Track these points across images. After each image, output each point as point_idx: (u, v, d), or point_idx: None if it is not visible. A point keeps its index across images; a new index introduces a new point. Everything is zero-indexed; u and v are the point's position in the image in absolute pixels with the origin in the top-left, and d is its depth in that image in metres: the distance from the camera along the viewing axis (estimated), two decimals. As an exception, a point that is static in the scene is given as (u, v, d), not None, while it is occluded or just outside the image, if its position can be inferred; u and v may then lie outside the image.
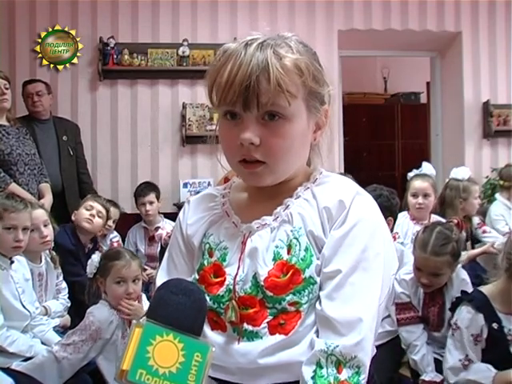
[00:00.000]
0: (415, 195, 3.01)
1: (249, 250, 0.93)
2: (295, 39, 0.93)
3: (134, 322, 0.76)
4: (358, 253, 0.87)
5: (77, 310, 2.58)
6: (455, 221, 2.35)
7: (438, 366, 2.14)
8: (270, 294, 0.89)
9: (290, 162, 0.93)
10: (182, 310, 0.79)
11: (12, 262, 2.17)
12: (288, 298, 0.88)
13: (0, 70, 3.14)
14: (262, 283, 0.89)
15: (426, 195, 2.99)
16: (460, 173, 3.35)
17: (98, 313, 2.03)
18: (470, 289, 2.17)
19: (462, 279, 2.24)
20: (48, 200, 3.10)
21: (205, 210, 1.02)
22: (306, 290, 0.89)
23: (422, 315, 2.24)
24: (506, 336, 1.90)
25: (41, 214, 2.45)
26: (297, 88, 0.88)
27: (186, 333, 0.75)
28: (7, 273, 2.13)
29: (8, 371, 1.94)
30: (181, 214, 1.05)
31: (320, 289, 0.89)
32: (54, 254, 2.57)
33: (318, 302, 0.89)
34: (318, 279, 0.89)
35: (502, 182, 3.85)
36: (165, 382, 0.72)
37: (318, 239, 0.91)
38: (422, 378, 2.14)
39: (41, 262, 2.48)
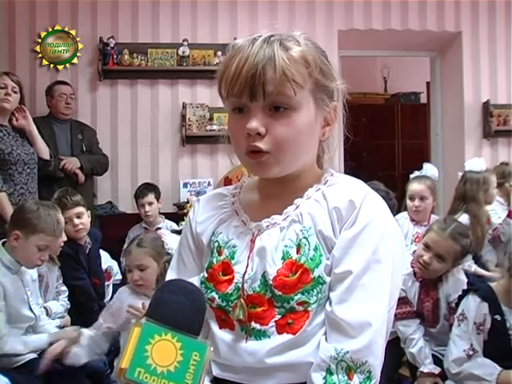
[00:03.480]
0: (412, 198, 3.01)
1: (258, 248, 0.93)
2: (303, 36, 0.93)
3: (133, 321, 0.76)
4: (369, 254, 0.87)
5: (77, 312, 2.60)
6: None
7: (436, 362, 2.16)
8: (278, 292, 0.89)
9: (296, 153, 0.92)
10: (181, 309, 0.79)
11: (21, 265, 2.17)
12: (296, 298, 0.88)
13: (14, 74, 3.15)
14: (271, 282, 0.89)
15: (422, 198, 2.98)
16: (477, 164, 3.30)
17: (122, 295, 2.08)
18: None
19: (458, 278, 2.26)
20: None
21: (214, 209, 1.02)
22: (315, 290, 0.89)
23: (416, 310, 2.26)
24: (508, 330, 1.93)
25: (63, 219, 2.47)
26: (303, 79, 0.89)
27: (185, 332, 0.76)
28: (17, 277, 2.13)
29: (4, 371, 1.94)
30: (191, 213, 1.06)
31: (330, 289, 0.89)
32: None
33: (327, 303, 0.89)
34: (327, 279, 0.89)
35: None
36: (163, 381, 0.72)
37: (328, 239, 0.90)
38: (421, 369, 2.16)
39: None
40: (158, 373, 0.72)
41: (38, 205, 2.25)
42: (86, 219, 2.77)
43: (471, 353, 1.94)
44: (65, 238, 2.51)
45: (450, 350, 2.00)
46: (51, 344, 2.00)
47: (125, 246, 2.80)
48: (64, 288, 2.63)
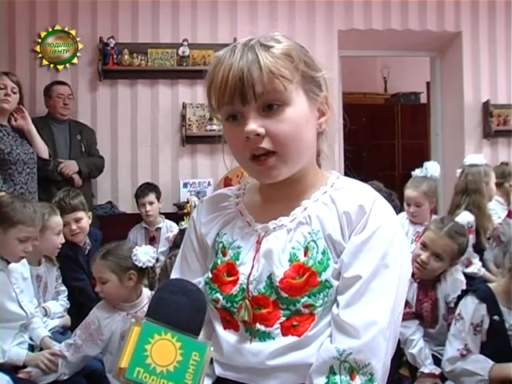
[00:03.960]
0: (408, 203, 2.98)
1: (264, 250, 0.93)
2: (281, 35, 0.94)
3: (132, 320, 0.76)
4: (378, 259, 0.87)
5: (77, 312, 2.59)
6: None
7: (436, 362, 2.16)
8: (284, 295, 0.89)
9: (299, 148, 0.92)
10: (181, 309, 0.79)
11: (9, 263, 2.17)
12: (303, 300, 0.88)
13: (13, 74, 3.14)
14: (278, 284, 0.89)
15: (417, 204, 2.94)
16: (476, 158, 3.28)
17: (99, 310, 2.03)
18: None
19: (456, 278, 2.26)
20: None
21: (218, 210, 1.02)
22: (322, 294, 0.89)
23: (415, 311, 2.26)
24: (507, 331, 1.93)
25: (61, 222, 2.50)
26: (290, 72, 0.89)
27: (185, 332, 0.76)
28: (4, 274, 2.12)
29: (4, 370, 1.94)
30: (194, 214, 1.06)
31: (338, 293, 0.89)
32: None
33: (335, 306, 0.89)
34: (334, 283, 0.89)
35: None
36: (162, 381, 0.72)
37: (337, 243, 0.90)
38: (421, 370, 2.16)
39: (40, 264, 2.48)
40: (158, 372, 0.72)
41: (12, 198, 2.24)
42: (84, 223, 2.75)
43: (465, 352, 1.94)
44: (63, 240, 2.51)
45: (446, 350, 2.01)
46: (24, 366, 2.02)
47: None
48: (63, 288, 2.63)
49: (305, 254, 0.91)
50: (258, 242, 0.94)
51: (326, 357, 0.85)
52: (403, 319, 2.25)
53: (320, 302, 0.89)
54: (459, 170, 3.31)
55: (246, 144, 0.89)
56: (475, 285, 2.15)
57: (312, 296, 0.88)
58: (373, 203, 0.90)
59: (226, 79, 0.87)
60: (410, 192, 2.97)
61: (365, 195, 0.93)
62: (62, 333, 2.44)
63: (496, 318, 1.94)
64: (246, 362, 0.90)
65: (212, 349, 0.76)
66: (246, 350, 0.91)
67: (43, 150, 3.20)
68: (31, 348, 2.19)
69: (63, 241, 2.51)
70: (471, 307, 1.97)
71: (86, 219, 2.76)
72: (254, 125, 0.88)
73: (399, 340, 2.24)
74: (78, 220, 2.72)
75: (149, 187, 3.72)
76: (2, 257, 2.14)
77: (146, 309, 2.02)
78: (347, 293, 0.87)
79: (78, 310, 2.60)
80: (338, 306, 0.88)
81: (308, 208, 0.94)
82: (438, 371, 2.13)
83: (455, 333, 1.98)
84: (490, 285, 2.07)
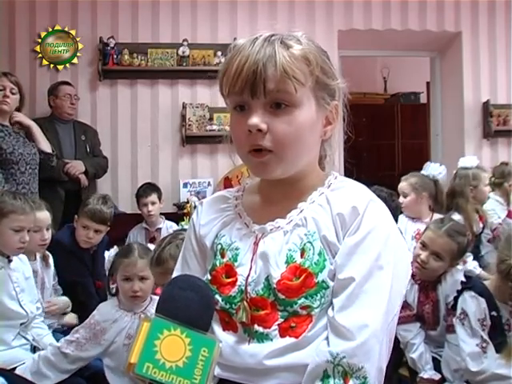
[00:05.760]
0: (399, 194, 3.04)
1: (261, 251, 0.93)
2: (304, 36, 0.94)
3: (142, 316, 0.77)
4: (372, 261, 0.87)
5: (77, 311, 2.59)
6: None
7: (436, 365, 2.16)
8: (282, 296, 0.89)
9: (298, 151, 0.92)
10: (190, 305, 0.80)
11: (10, 261, 2.17)
12: (300, 302, 0.88)
13: (12, 75, 3.13)
14: (275, 285, 0.90)
15: (404, 195, 2.99)
16: (468, 161, 3.33)
17: (104, 310, 2.03)
18: None
19: (456, 280, 2.25)
20: None
21: (217, 212, 1.03)
22: (319, 295, 0.89)
23: (416, 313, 2.26)
24: (504, 325, 1.93)
25: (46, 217, 2.49)
26: (304, 76, 0.89)
27: (194, 328, 0.76)
28: (5, 272, 2.13)
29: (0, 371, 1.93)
30: (194, 216, 1.06)
31: (333, 295, 0.89)
32: (47, 252, 2.58)
33: (330, 308, 0.89)
34: (330, 284, 0.89)
35: (493, 179, 3.84)
36: (171, 376, 0.72)
37: (332, 245, 0.91)
38: (421, 375, 2.16)
39: (35, 258, 2.48)
40: (167, 368, 0.73)
41: (1, 191, 2.27)
42: (101, 236, 2.77)
43: (485, 345, 1.93)
44: (48, 238, 2.46)
45: (461, 348, 1.97)
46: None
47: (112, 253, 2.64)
48: (58, 287, 2.63)
49: (301, 256, 0.91)
50: (256, 244, 0.94)
51: (320, 360, 0.85)
52: (404, 322, 2.26)
53: (317, 303, 0.89)
54: (454, 171, 3.34)
55: (247, 137, 0.89)
56: (470, 283, 2.14)
57: (309, 297, 0.89)
58: (367, 204, 0.90)
59: (241, 70, 0.88)
60: (400, 184, 3.06)
61: (359, 196, 0.93)
62: (63, 332, 2.43)
63: (494, 313, 1.95)
64: (244, 363, 0.90)
65: (221, 345, 0.76)
66: (244, 350, 0.91)
67: (45, 144, 3.18)
68: (33, 349, 2.19)
69: (47, 237, 2.47)
70: (471, 302, 1.97)
71: (104, 233, 2.78)
72: (257, 119, 0.88)
73: (399, 340, 2.24)
74: (97, 231, 2.74)
75: (151, 187, 3.73)
76: (2, 254, 2.14)
77: (149, 308, 1.98)
78: (342, 295, 0.87)
79: (78, 309, 2.60)
80: (333, 308, 0.88)
81: (304, 210, 0.94)
82: (437, 377, 2.13)
83: (466, 331, 1.96)
84: (485, 282, 2.08)
